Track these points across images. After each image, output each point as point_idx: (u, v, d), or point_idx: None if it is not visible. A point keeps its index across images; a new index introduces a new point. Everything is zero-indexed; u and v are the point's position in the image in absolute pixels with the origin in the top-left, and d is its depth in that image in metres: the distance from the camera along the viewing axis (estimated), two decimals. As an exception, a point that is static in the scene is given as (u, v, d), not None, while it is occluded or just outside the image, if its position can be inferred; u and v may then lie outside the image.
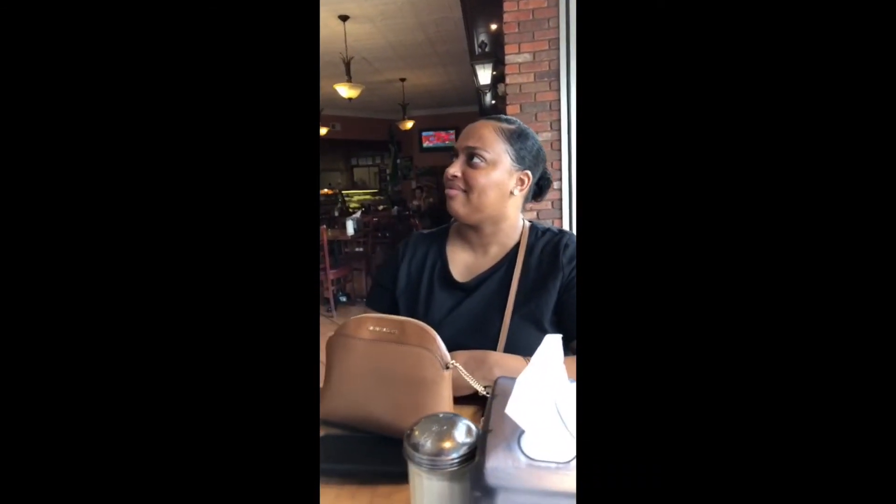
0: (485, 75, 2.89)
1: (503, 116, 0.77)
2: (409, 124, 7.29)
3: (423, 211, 6.25)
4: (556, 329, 0.69)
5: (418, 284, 0.76)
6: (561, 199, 2.70)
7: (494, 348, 0.67)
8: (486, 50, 2.86)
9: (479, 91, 3.28)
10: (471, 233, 0.75)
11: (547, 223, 0.82)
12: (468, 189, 0.70)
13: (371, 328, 0.56)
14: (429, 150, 8.75)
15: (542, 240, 0.74)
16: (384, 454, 0.48)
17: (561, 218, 2.71)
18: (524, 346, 0.65)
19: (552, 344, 0.40)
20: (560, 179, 2.67)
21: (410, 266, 0.78)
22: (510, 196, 0.72)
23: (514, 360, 0.62)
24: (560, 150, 2.63)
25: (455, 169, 0.71)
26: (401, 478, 0.43)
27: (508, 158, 0.71)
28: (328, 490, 0.46)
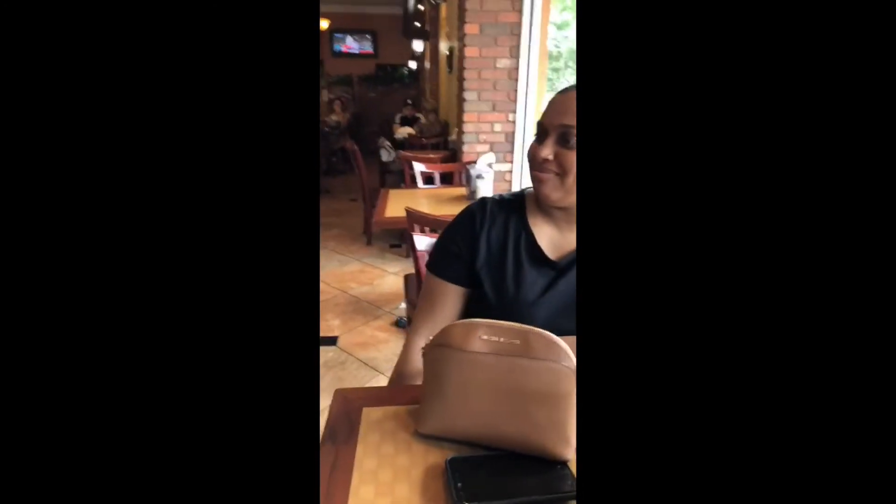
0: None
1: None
2: (325, 24, 6.37)
3: (344, 128, 5.75)
4: None
5: (502, 258, 0.68)
6: (514, 132, 2.64)
7: None
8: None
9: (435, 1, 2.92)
10: (556, 210, 0.67)
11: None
12: (562, 172, 0.61)
13: (484, 338, 0.50)
14: (341, 55, 7.81)
15: None
16: (538, 476, 0.45)
17: (512, 151, 2.68)
18: None
19: None
20: (515, 111, 2.59)
21: (490, 236, 0.69)
22: None
23: None
24: (517, 79, 2.52)
25: (547, 151, 0.61)
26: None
27: None
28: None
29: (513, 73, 2.50)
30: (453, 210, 0.84)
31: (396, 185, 3.32)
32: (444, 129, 4.22)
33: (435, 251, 0.75)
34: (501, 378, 0.49)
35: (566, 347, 0.49)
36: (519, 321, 0.51)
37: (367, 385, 1.74)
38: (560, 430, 0.48)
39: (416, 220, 1.29)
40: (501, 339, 0.50)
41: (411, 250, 1.35)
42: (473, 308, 0.70)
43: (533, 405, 0.48)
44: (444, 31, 4.53)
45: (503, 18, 2.39)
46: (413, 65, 8.00)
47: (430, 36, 5.81)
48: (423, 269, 0.92)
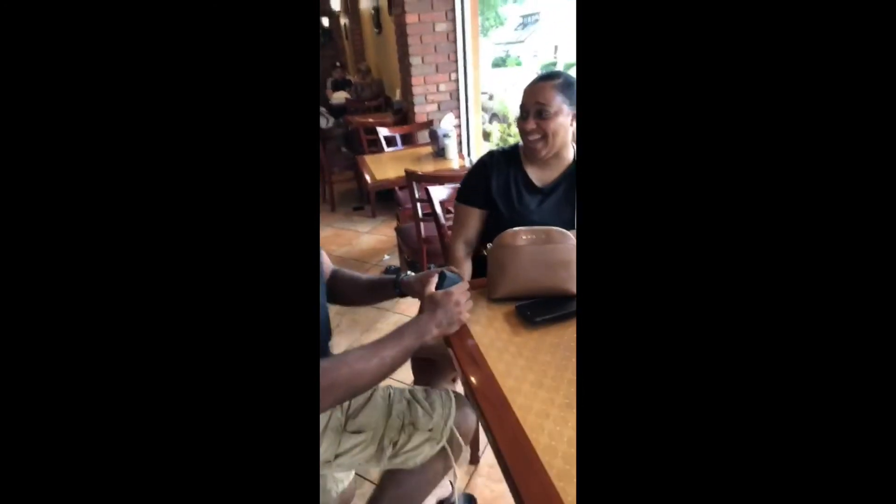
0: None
1: (552, 72, 1.02)
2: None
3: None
4: None
5: (507, 189, 1.06)
6: (458, 89, 2.94)
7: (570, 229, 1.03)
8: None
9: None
10: (541, 157, 1.05)
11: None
12: (544, 136, 0.99)
13: (524, 237, 0.88)
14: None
15: None
16: (562, 303, 0.85)
17: (458, 106, 2.98)
18: None
19: None
20: (456, 71, 2.87)
21: (498, 176, 1.07)
22: (568, 129, 1.03)
23: None
24: (455, 41, 2.78)
25: (531, 125, 0.99)
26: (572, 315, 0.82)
27: (565, 106, 0.99)
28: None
29: (450, 36, 2.76)
30: (431, 167, 1.13)
31: (338, 151, 3.49)
32: (381, 90, 4.35)
33: (462, 189, 1.13)
34: (537, 256, 0.87)
35: (568, 233, 0.88)
36: (524, 225, 0.90)
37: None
38: (570, 279, 0.88)
39: (416, 178, 1.61)
40: (533, 237, 0.88)
41: (413, 204, 1.67)
42: (491, 223, 1.09)
43: (555, 268, 0.87)
44: (362, -13, 4.52)
45: (436, -15, 2.61)
46: (326, 22, 7.68)
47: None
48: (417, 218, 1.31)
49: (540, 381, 0.70)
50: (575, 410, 0.63)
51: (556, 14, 16.38)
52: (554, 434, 0.60)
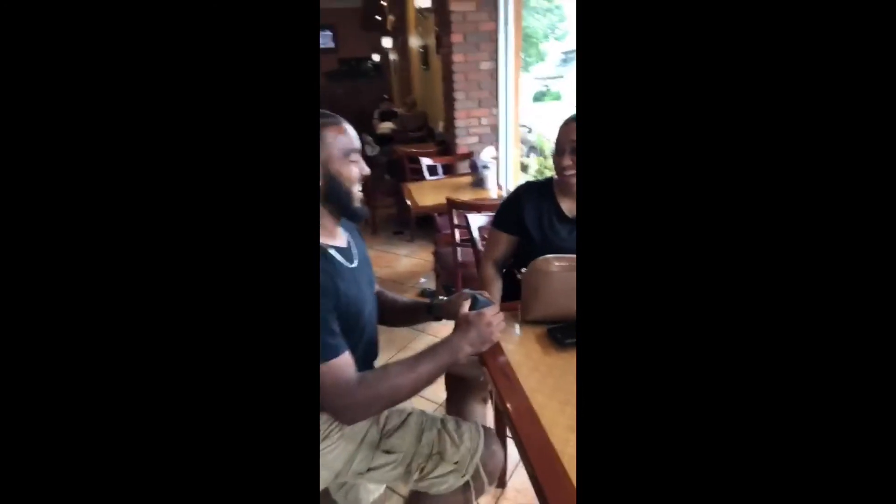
0: (424, -2, 2.92)
1: None
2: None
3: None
4: None
5: (540, 218, 1.14)
6: (497, 125, 3.07)
7: None
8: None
9: (418, 12, 3.26)
10: (574, 191, 1.12)
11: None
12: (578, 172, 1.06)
13: (556, 264, 0.94)
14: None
15: None
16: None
17: (497, 141, 3.10)
18: None
19: None
20: (496, 106, 3.01)
21: (531, 205, 1.16)
22: None
23: None
24: (497, 78, 2.93)
25: (567, 161, 1.07)
26: None
27: None
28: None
29: (493, 74, 2.92)
30: (470, 195, 1.22)
31: (382, 178, 3.68)
32: (424, 121, 4.58)
33: (497, 215, 1.22)
34: (569, 282, 0.93)
35: (599, 264, 0.94)
36: (555, 252, 0.96)
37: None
38: (601, 305, 0.93)
39: (456, 205, 1.71)
40: (566, 264, 0.94)
41: (452, 229, 1.76)
42: (522, 249, 1.16)
43: (586, 294, 0.93)
44: (412, 26, 4.84)
45: (483, 28, 2.79)
46: (376, 58, 8.19)
47: (395, 30, 6.05)
48: (448, 243, 1.40)
49: (568, 399, 0.74)
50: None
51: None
52: (572, 433, 0.64)
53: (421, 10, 3.06)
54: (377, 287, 1.03)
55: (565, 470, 0.60)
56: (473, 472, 0.87)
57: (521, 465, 1.35)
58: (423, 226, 3.37)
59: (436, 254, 2.18)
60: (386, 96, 6.13)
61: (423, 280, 2.77)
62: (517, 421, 0.70)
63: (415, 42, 4.81)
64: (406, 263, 3.10)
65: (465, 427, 0.92)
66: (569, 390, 0.76)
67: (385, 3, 5.96)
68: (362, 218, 0.88)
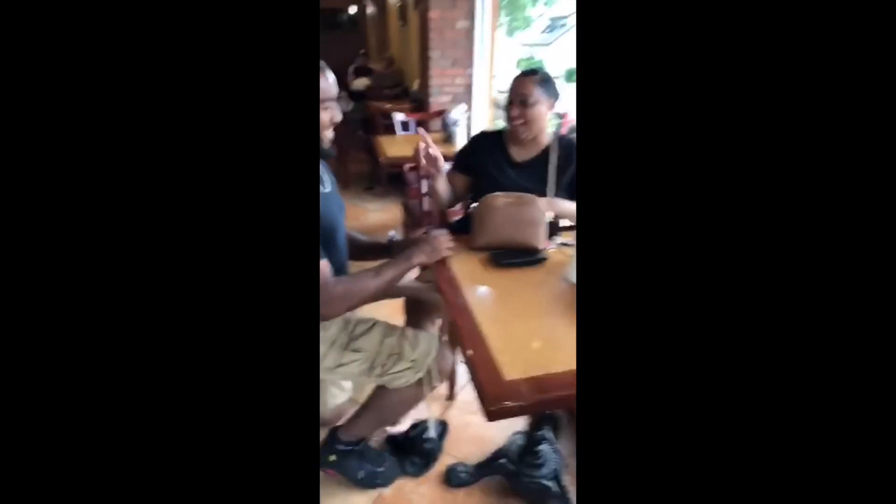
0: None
1: (533, 68, 1.24)
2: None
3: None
4: (567, 192, 1.29)
5: (492, 161, 1.29)
6: (471, 84, 3.14)
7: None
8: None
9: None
10: (521, 139, 1.27)
11: (552, 128, 1.36)
12: (525, 121, 1.21)
13: (502, 200, 1.10)
14: None
15: (561, 141, 1.30)
16: (526, 254, 1.07)
17: (470, 99, 3.19)
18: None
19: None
20: (471, 66, 3.08)
21: (484, 152, 1.31)
22: (545, 117, 1.24)
23: (563, 202, 1.22)
24: (472, 38, 2.99)
25: (516, 111, 1.21)
26: (537, 262, 1.04)
27: (543, 96, 1.21)
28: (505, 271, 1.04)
29: (469, 34, 2.97)
30: (440, 150, 1.34)
31: (355, 134, 3.70)
32: (401, 79, 4.56)
33: (455, 159, 1.37)
34: (511, 215, 1.09)
35: (537, 199, 1.10)
36: (503, 191, 1.11)
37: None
38: (535, 235, 1.09)
39: (423, 155, 1.83)
40: (509, 199, 1.10)
41: (419, 179, 1.88)
42: (474, 186, 1.31)
43: (523, 226, 1.09)
44: (391, -20, 4.73)
45: (459, -14, 2.82)
46: (353, 10, 7.89)
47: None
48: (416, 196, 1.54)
49: (502, 301, 0.91)
50: (517, 321, 0.85)
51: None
52: (500, 331, 0.82)
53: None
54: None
55: (490, 350, 0.77)
56: (427, 369, 1.04)
57: (468, 384, 1.55)
58: (394, 182, 3.46)
59: (404, 206, 2.31)
60: (362, 51, 6.00)
61: (392, 233, 2.88)
62: (455, 313, 0.87)
63: (394, -4, 4.72)
64: (376, 218, 3.21)
65: (421, 335, 1.09)
66: (500, 295, 0.94)
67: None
68: (328, 157, 1.01)
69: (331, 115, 0.94)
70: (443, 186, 1.30)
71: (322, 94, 0.91)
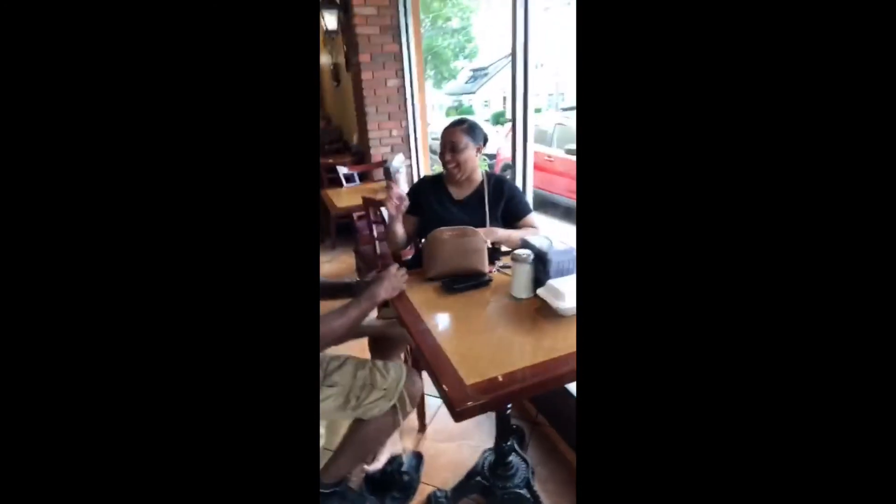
0: (332, 21, 3.14)
1: (460, 119, 1.43)
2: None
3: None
4: (502, 221, 1.45)
5: (434, 201, 1.44)
6: (407, 136, 3.37)
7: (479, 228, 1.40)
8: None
9: (327, 34, 3.47)
10: (457, 181, 1.43)
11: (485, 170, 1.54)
12: (457, 164, 1.38)
13: (448, 233, 1.23)
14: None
15: (491, 178, 1.47)
16: (473, 278, 1.20)
17: (409, 147, 3.40)
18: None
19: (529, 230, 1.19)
20: (406, 119, 3.31)
21: (428, 194, 1.46)
22: (475, 159, 1.42)
23: (499, 230, 1.38)
24: (405, 94, 3.24)
25: (449, 157, 1.39)
26: (483, 284, 1.17)
27: (471, 142, 1.39)
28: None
29: (400, 90, 3.22)
30: (384, 196, 1.50)
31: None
32: (340, 135, 4.75)
33: (407, 207, 1.48)
34: (457, 246, 1.23)
35: (478, 230, 1.24)
36: (447, 225, 1.26)
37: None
38: (479, 262, 1.23)
39: (372, 202, 1.96)
40: (454, 232, 1.24)
41: (370, 225, 2.00)
42: (422, 224, 1.45)
43: (469, 254, 1.23)
44: (321, 45, 5.01)
45: (387, 49, 3.09)
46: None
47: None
48: (367, 242, 1.67)
49: (456, 321, 1.03)
50: (471, 335, 0.97)
51: (503, 70, 17.96)
52: (458, 346, 0.92)
53: (328, 32, 3.27)
54: None
55: (451, 363, 0.87)
56: (399, 396, 1.11)
57: (438, 411, 1.61)
58: (341, 233, 3.54)
59: (357, 252, 2.40)
60: (299, 111, 6.15)
61: (346, 280, 2.95)
62: (418, 337, 0.97)
63: (325, 59, 4.98)
64: (329, 268, 3.25)
65: (390, 364, 1.17)
66: (455, 316, 1.05)
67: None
68: None
69: None
70: (399, 229, 1.43)
71: None
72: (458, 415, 0.75)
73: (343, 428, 1.51)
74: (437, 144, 1.49)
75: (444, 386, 0.81)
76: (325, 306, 1.09)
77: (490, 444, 1.38)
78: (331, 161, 3.50)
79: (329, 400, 1.10)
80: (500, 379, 0.80)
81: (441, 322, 1.04)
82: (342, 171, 2.98)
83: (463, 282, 1.18)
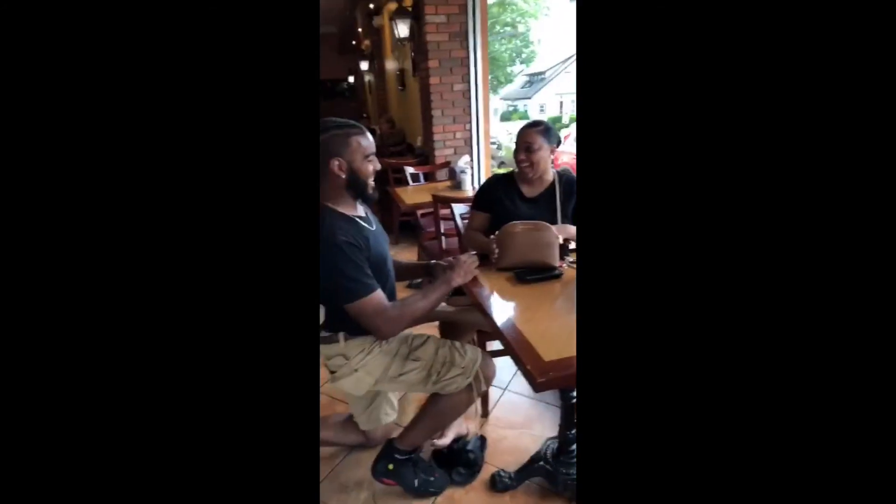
0: (404, 29, 3.32)
1: (536, 121, 1.50)
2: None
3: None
4: (572, 219, 1.51)
5: (506, 198, 1.52)
6: (471, 138, 3.48)
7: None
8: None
9: (398, 41, 3.67)
10: (529, 179, 1.51)
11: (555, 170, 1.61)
12: (531, 164, 1.46)
13: (520, 227, 1.31)
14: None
15: (563, 177, 1.53)
16: (544, 270, 1.27)
17: (471, 152, 3.51)
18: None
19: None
20: (470, 122, 3.42)
21: (498, 190, 1.54)
22: (548, 159, 1.49)
23: (571, 227, 1.44)
24: (469, 98, 3.35)
25: (522, 156, 1.47)
26: (554, 277, 1.24)
27: (545, 143, 1.46)
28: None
29: (466, 94, 3.34)
30: (450, 196, 1.59)
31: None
32: (403, 138, 4.96)
33: (475, 199, 1.61)
34: (528, 239, 1.30)
35: (549, 225, 1.31)
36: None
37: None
38: (550, 256, 1.29)
39: (442, 199, 2.07)
40: (529, 226, 1.31)
41: (437, 222, 2.12)
42: (493, 221, 1.52)
43: (540, 247, 1.29)
44: (388, 51, 5.26)
45: (455, 54, 3.21)
46: (351, 79, 8.60)
47: (370, 54, 6.46)
48: (432, 238, 1.77)
49: (530, 309, 1.10)
50: (544, 321, 1.03)
51: (560, 74, 17.78)
52: (534, 328, 1.00)
53: (400, 39, 3.46)
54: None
55: (529, 342, 0.94)
56: (475, 374, 1.20)
57: (500, 398, 1.68)
58: (403, 230, 3.71)
59: (421, 247, 2.53)
60: (364, 115, 6.49)
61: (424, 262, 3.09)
62: (497, 320, 1.05)
63: (391, 65, 5.22)
64: (392, 263, 3.42)
65: (468, 346, 1.27)
66: (526, 305, 1.13)
67: (360, 29, 6.39)
68: (373, 200, 1.23)
69: (374, 166, 1.17)
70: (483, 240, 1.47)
71: (367, 150, 1.14)
72: (540, 385, 0.82)
73: (410, 406, 1.63)
74: (493, 148, 1.57)
75: (524, 361, 0.88)
76: (402, 290, 1.20)
77: (550, 433, 1.43)
78: (394, 161, 3.68)
79: (413, 373, 1.21)
80: (573, 359, 0.86)
81: (516, 307, 1.11)
82: (409, 170, 3.14)
83: (535, 273, 1.25)
